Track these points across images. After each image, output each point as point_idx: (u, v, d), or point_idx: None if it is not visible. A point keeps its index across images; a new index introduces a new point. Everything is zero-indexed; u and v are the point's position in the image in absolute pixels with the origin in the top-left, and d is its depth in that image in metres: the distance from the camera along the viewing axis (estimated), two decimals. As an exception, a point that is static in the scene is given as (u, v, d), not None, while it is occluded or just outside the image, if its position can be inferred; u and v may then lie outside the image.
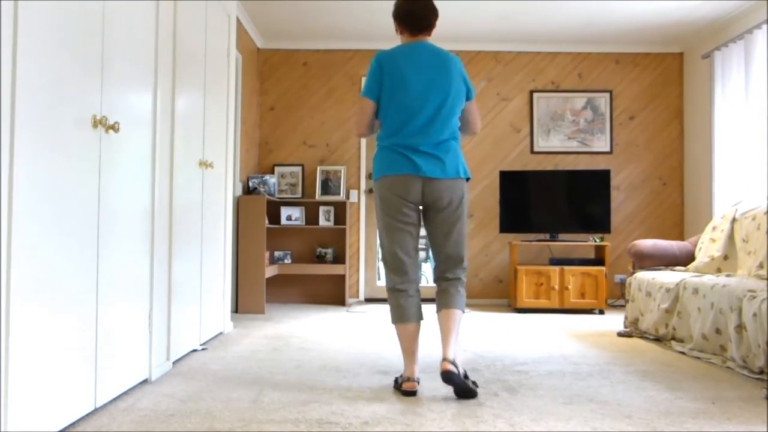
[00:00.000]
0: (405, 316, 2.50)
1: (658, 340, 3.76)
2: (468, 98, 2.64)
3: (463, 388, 2.36)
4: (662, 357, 3.27)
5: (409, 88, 2.50)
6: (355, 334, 3.90)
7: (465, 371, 2.44)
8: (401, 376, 2.51)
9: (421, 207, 2.58)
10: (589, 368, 2.96)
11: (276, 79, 5.77)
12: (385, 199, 2.52)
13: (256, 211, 4.79)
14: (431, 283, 6.06)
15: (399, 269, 2.55)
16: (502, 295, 5.71)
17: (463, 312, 2.55)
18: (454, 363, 2.35)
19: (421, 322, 2.54)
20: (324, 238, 5.65)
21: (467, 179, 2.59)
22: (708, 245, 4.09)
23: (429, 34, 2.63)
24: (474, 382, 2.47)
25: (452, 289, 2.54)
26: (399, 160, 2.49)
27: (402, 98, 2.51)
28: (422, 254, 5.88)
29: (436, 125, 2.50)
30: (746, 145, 4.69)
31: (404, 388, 2.43)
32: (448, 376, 2.33)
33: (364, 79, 5.67)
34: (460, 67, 2.60)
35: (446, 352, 2.39)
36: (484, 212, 5.72)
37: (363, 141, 5.72)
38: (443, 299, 2.54)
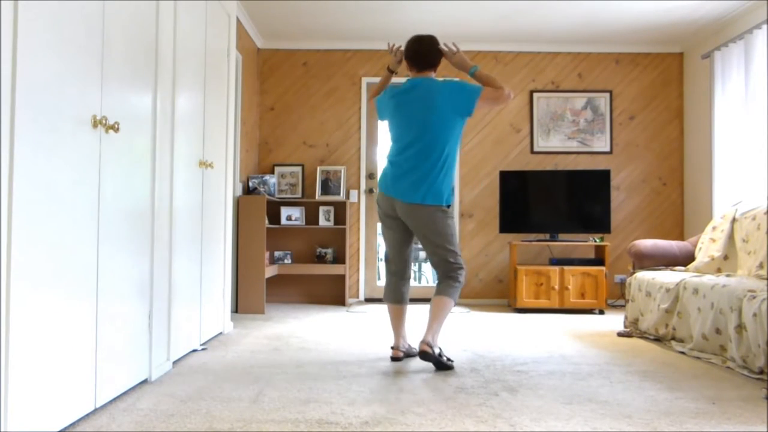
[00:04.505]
0: (387, 298, 3.18)
1: (658, 340, 3.76)
2: (468, 113, 2.97)
3: (437, 363, 2.85)
4: (662, 357, 3.27)
5: (400, 125, 3.01)
6: (355, 334, 3.90)
7: (440, 349, 2.91)
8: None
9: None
10: (589, 368, 2.96)
11: (276, 79, 5.77)
12: (379, 209, 3.14)
13: (256, 211, 4.79)
14: (430, 283, 6.07)
15: (389, 262, 3.20)
16: (502, 295, 5.71)
17: (454, 301, 2.98)
18: (429, 344, 2.84)
19: (404, 305, 3.15)
20: (324, 238, 5.65)
21: (443, 205, 2.94)
22: (708, 245, 4.09)
23: (434, 70, 3.08)
24: (449, 359, 2.91)
25: (445, 283, 3.01)
26: (387, 182, 3.03)
27: (395, 131, 3.05)
28: (422, 254, 5.87)
29: (418, 157, 2.94)
30: (746, 145, 4.69)
31: (391, 355, 3.12)
32: (423, 355, 2.84)
33: (364, 80, 5.74)
34: (449, 95, 2.93)
35: (425, 335, 2.89)
36: (484, 212, 5.72)
37: (363, 142, 5.73)
38: (439, 288, 3.01)
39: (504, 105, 3.02)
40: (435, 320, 2.91)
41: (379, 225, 5.79)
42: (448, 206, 2.98)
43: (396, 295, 3.15)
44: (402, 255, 3.14)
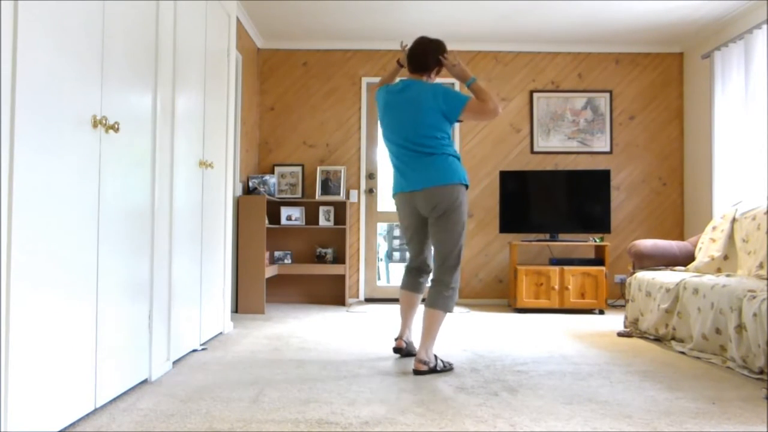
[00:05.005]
0: (402, 286, 3.24)
1: (658, 340, 3.76)
2: (453, 118, 2.97)
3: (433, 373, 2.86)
4: (662, 357, 3.27)
5: (389, 125, 3.05)
6: (355, 334, 3.90)
7: (436, 357, 2.89)
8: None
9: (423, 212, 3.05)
10: (589, 368, 2.96)
11: (276, 79, 5.77)
12: (399, 213, 3.20)
13: (256, 211, 4.79)
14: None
15: (409, 261, 3.28)
16: (502, 295, 5.71)
17: (447, 311, 2.93)
18: (424, 362, 2.83)
19: (417, 294, 3.21)
20: (324, 238, 5.65)
21: (461, 185, 2.93)
22: (708, 245, 4.09)
23: (428, 76, 3.09)
24: (446, 364, 2.91)
25: (434, 290, 2.96)
26: (396, 181, 3.10)
27: (384, 130, 3.11)
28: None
29: (418, 156, 2.96)
30: (746, 145, 4.69)
31: (393, 346, 3.23)
32: (416, 373, 2.82)
33: (364, 80, 5.74)
34: (434, 98, 2.93)
35: (419, 352, 2.86)
36: (484, 212, 5.72)
37: (363, 142, 5.73)
38: (428, 298, 2.96)
39: (489, 119, 2.99)
40: (428, 335, 2.88)
41: (378, 225, 5.81)
42: (467, 187, 2.99)
43: (411, 284, 3.21)
44: (421, 256, 3.21)
